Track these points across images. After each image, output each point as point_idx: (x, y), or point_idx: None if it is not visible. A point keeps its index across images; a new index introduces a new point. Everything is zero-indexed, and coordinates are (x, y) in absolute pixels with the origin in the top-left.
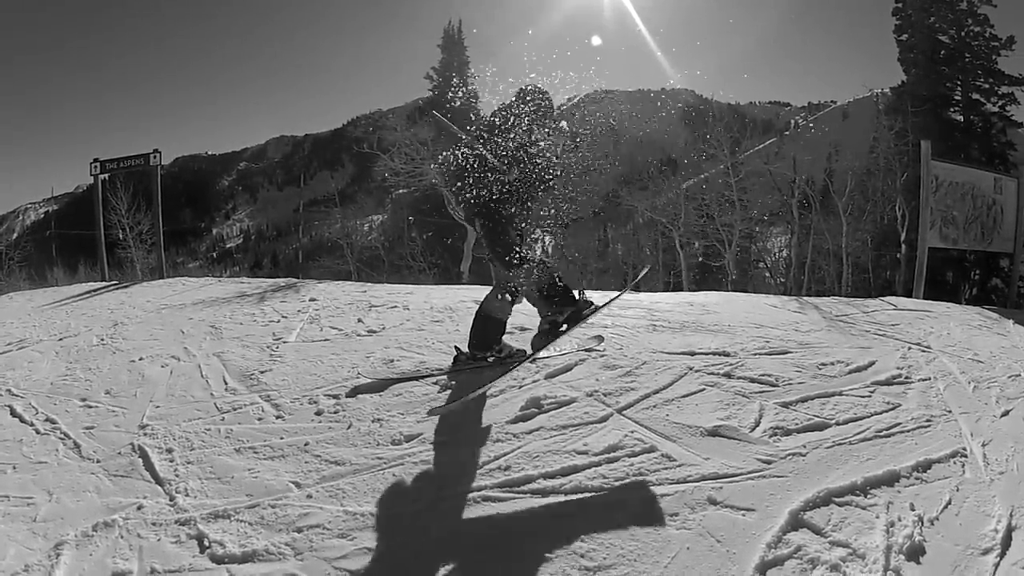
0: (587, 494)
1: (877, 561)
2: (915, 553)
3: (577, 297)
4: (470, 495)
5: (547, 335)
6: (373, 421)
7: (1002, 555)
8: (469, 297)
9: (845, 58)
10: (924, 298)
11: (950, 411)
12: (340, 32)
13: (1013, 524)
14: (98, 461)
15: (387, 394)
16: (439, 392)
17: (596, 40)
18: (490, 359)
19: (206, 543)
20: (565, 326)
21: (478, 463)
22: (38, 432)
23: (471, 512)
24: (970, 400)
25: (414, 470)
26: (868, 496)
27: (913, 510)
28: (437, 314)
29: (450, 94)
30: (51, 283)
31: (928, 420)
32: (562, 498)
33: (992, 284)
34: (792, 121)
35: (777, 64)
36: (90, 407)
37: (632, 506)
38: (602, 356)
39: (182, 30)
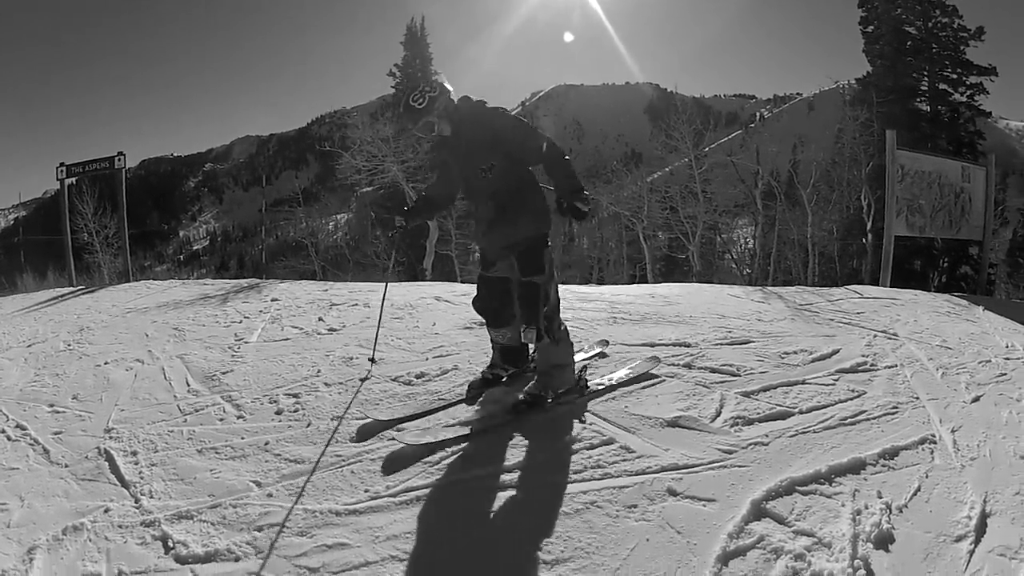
0: (544, 487)
1: (844, 550)
2: (883, 541)
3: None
4: (428, 490)
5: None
6: (332, 419)
7: (976, 542)
8: (429, 294)
9: (810, 50)
10: (892, 286)
11: (917, 398)
12: (305, 31)
13: (988, 510)
14: (66, 466)
15: (346, 392)
16: (400, 386)
17: (568, 37)
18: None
19: (170, 544)
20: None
21: (436, 458)
22: (9, 439)
23: (428, 508)
24: (938, 386)
25: (372, 467)
26: (833, 484)
27: (880, 498)
28: (397, 311)
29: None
30: (20, 290)
31: (895, 407)
32: (519, 491)
33: (961, 272)
34: (757, 113)
35: (742, 57)
36: (58, 412)
37: (590, 498)
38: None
39: (146, 32)
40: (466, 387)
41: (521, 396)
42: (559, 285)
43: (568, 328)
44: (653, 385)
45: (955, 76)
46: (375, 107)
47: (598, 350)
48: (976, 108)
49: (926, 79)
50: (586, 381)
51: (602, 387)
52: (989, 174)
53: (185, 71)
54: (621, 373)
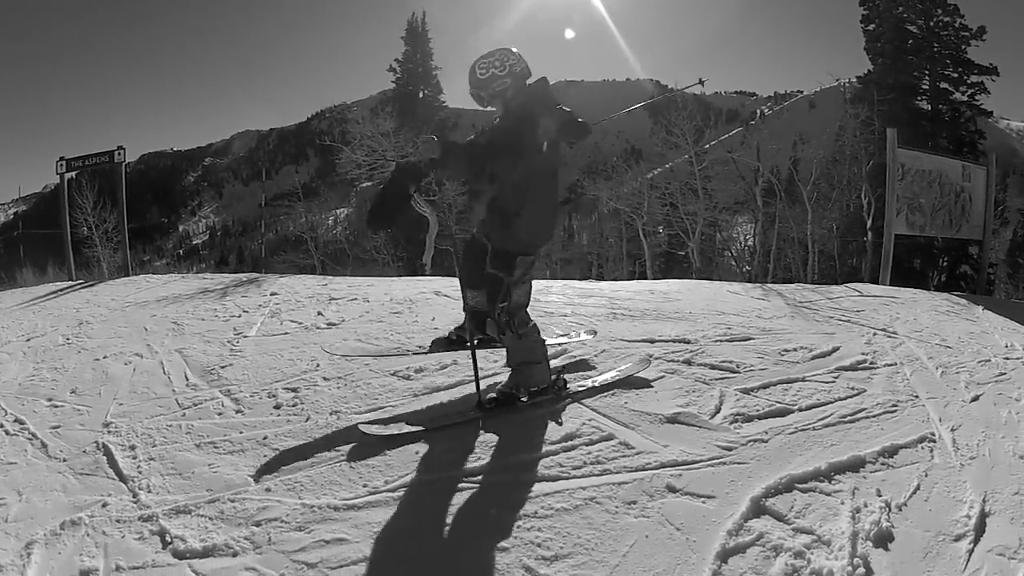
0: (544, 483)
1: (843, 548)
2: (883, 539)
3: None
4: (427, 485)
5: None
6: (331, 414)
7: (976, 541)
8: (429, 288)
9: (811, 48)
10: (891, 285)
11: (917, 396)
12: (305, 24)
13: (987, 510)
14: (64, 460)
15: (345, 387)
16: (399, 381)
17: (569, 33)
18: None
19: (168, 539)
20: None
21: (435, 454)
22: (7, 433)
23: (427, 503)
24: (938, 385)
25: (371, 462)
26: (832, 482)
27: (880, 496)
28: (396, 305)
29: None
30: (20, 284)
31: (894, 405)
32: (518, 487)
33: (961, 271)
34: (758, 111)
35: (743, 54)
36: (56, 406)
37: (589, 494)
38: (560, 345)
39: (147, 25)
40: (451, 371)
41: (493, 394)
42: (563, 281)
43: (538, 325)
44: (653, 381)
45: (956, 75)
46: (375, 102)
47: (583, 337)
48: (977, 107)
49: (927, 78)
50: (565, 381)
51: (583, 389)
52: (990, 174)
53: (185, 65)
54: (608, 376)
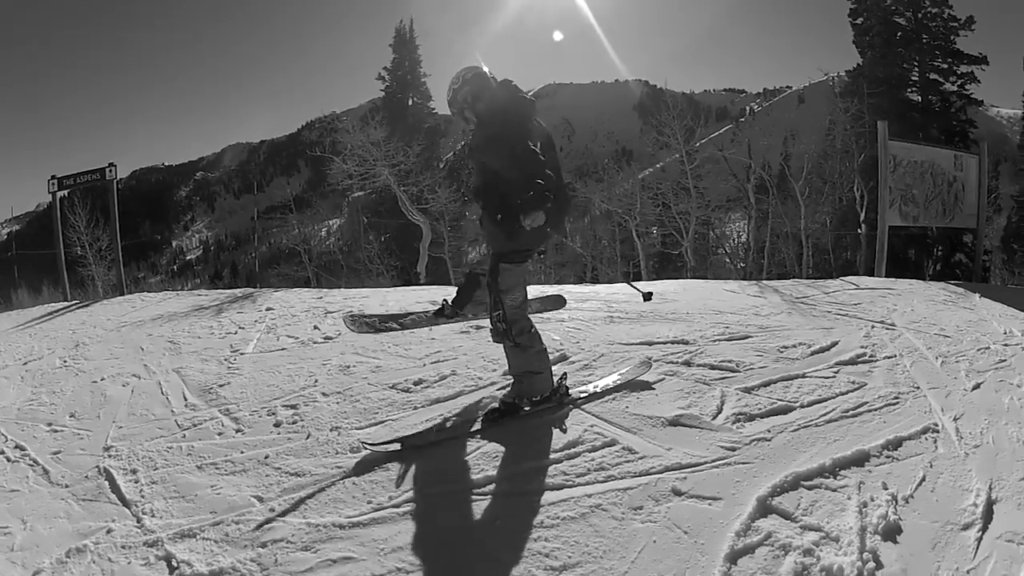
0: (549, 492)
1: (852, 543)
2: (891, 533)
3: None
4: (431, 499)
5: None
6: (331, 430)
7: (984, 529)
8: (424, 298)
9: (799, 43)
10: (886, 276)
11: (918, 387)
12: (294, 35)
13: (994, 497)
14: (67, 486)
15: (344, 401)
16: (398, 394)
17: (557, 36)
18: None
19: (174, 563)
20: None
21: (438, 468)
22: (8, 459)
23: (432, 516)
24: (938, 375)
25: (374, 478)
26: (838, 478)
27: (886, 489)
28: None
29: None
30: (16, 305)
31: (896, 397)
32: (523, 497)
33: (956, 259)
34: (747, 108)
35: (731, 51)
36: (56, 431)
37: (595, 502)
38: (559, 350)
39: (133, 39)
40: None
41: (495, 404)
42: (558, 286)
43: (540, 334)
44: (653, 384)
45: (946, 66)
46: (365, 111)
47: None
48: (967, 97)
49: (916, 69)
50: (567, 388)
51: (585, 395)
52: (982, 162)
53: (174, 77)
54: (609, 380)
